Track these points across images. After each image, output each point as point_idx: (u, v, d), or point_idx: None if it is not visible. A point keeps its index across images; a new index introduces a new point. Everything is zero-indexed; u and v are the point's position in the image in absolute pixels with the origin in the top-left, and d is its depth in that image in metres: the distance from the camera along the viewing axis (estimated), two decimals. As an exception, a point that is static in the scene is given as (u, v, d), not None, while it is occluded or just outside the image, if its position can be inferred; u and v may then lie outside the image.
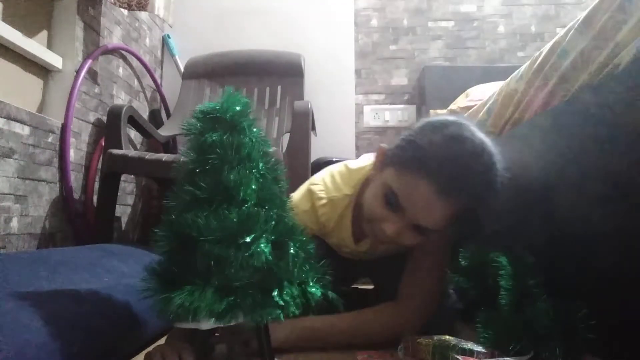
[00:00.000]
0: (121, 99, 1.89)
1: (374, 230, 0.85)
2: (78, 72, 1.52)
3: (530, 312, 0.75)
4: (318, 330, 0.86)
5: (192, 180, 0.63)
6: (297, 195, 0.99)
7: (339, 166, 1.00)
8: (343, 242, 1.01)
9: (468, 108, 1.65)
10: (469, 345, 0.73)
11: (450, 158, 0.75)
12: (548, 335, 0.71)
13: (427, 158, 0.76)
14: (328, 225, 0.98)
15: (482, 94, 1.71)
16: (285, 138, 1.91)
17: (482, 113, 1.45)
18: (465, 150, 0.76)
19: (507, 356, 0.69)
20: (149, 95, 2.20)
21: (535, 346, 0.70)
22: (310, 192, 0.97)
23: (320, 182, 0.98)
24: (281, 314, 0.60)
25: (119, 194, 1.62)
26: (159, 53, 2.34)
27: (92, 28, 1.64)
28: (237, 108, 0.66)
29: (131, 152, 1.52)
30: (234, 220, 0.60)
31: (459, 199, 0.76)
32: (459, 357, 0.69)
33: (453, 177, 0.74)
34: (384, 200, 0.81)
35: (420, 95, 2.48)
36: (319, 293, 0.65)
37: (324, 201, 0.95)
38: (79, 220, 1.50)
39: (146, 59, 2.13)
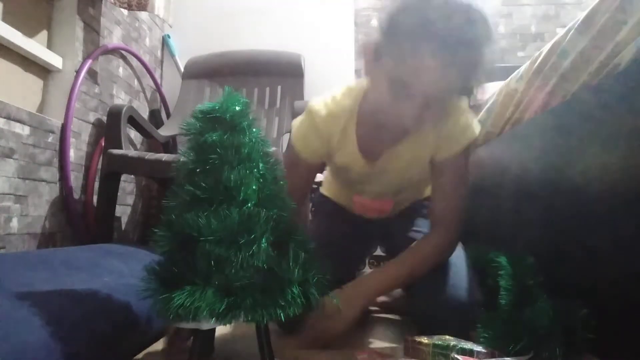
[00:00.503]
0: (121, 99, 1.89)
1: (396, 123, 0.83)
2: (78, 72, 1.52)
3: (530, 312, 0.75)
4: (386, 286, 0.92)
5: (192, 180, 0.63)
6: (297, 120, 0.98)
7: (339, 88, 0.98)
8: (350, 159, 0.98)
9: (468, 108, 1.64)
10: (469, 345, 0.73)
11: (445, 22, 0.72)
12: (548, 335, 0.71)
13: (423, 33, 0.73)
14: (332, 141, 0.95)
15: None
16: (285, 138, 1.91)
17: (482, 113, 1.45)
18: (457, 7, 0.73)
19: (507, 356, 0.69)
20: (149, 95, 2.20)
21: (535, 346, 0.70)
22: (310, 112, 0.95)
23: (319, 101, 0.95)
24: (282, 314, 0.60)
25: (119, 194, 1.62)
26: (159, 53, 2.34)
27: (92, 28, 1.64)
28: (237, 108, 0.66)
29: (131, 152, 1.52)
30: (235, 220, 0.60)
31: (463, 56, 0.75)
32: (459, 357, 0.69)
33: (453, 39, 0.72)
34: (392, 92, 0.79)
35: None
36: (320, 293, 0.65)
37: (324, 117, 0.93)
38: (79, 220, 1.50)
39: (146, 59, 2.13)
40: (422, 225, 1.13)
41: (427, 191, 1.15)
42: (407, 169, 0.99)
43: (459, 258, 1.01)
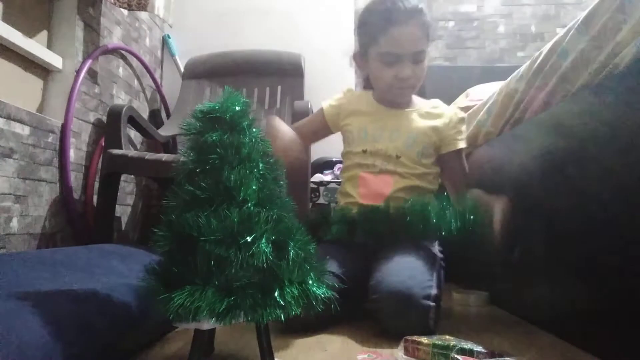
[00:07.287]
0: (121, 99, 1.89)
1: (401, 87, 1.17)
2: (78, 72, 1.52)
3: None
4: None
5: (192, 180, 0.63)
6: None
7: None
8: (367, 112, 1.23)
9: (468, 108, 1.65)
10: (469, 345, 0.73)
11: (396, 4, 1.12)
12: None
13: (388, 14, 1.11)
14: (347, 107, 1.25)
15: (482, 94, 1.71)
16: (285, 138, 1.90)
17: (482, 113, 1.45)
18: None
19: (507, 356, 0.69)
20: (149, 95, 2.20)
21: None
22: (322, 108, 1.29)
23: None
24: (282, 314, 0.60)
25: (119, 194, 1.62)
26: (159, 53, 2.34)
27: (92, 28, 1.64)
28: (237, 108, 0.66)
29: (131, 152, 1.52)
30: (235, 220, 0.60)
31: (418, 17, 1.14)
32: (459, 357, 0.69)
33: (407, 10, 1.12)
34: (387, 67, 1.14)
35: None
36: (320, 292, 0.65)
37: (351, 90, 1.31)
38: (79, 220, 1.50)
39: (146, 59, 2.13)
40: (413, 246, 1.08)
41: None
42: (408, 127, 1.21)
43: (416, 255, 1.02)
